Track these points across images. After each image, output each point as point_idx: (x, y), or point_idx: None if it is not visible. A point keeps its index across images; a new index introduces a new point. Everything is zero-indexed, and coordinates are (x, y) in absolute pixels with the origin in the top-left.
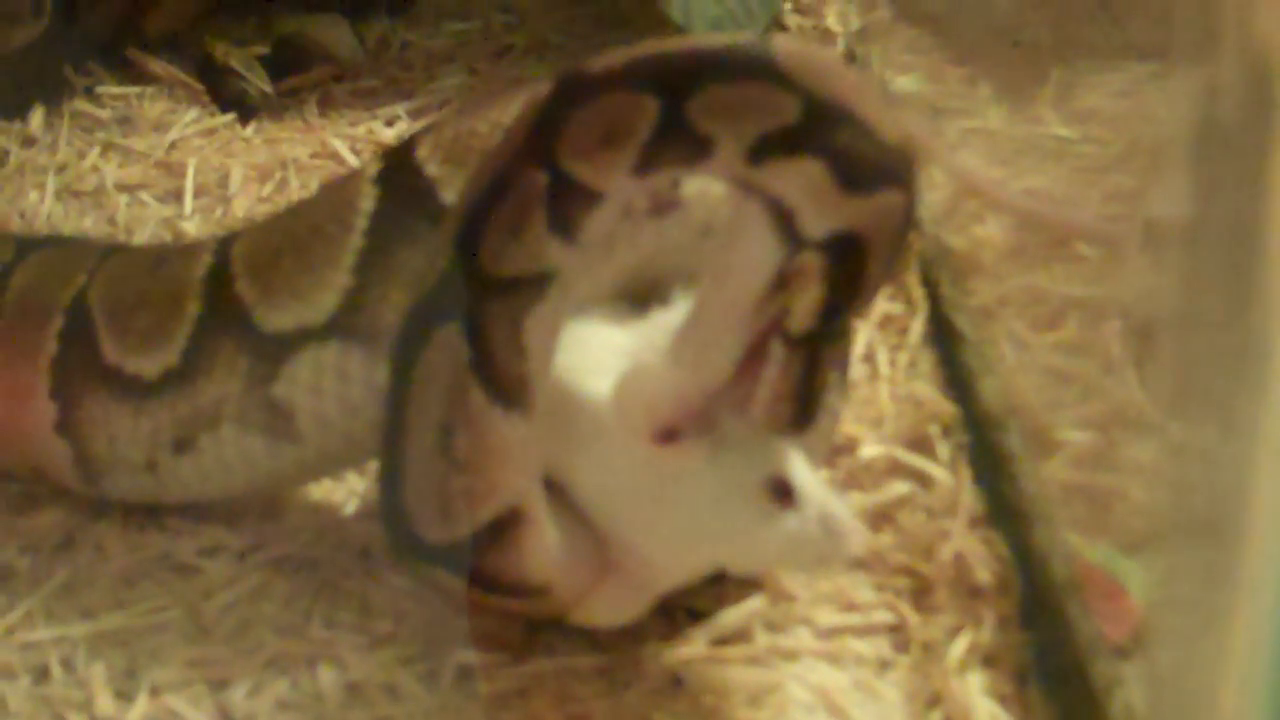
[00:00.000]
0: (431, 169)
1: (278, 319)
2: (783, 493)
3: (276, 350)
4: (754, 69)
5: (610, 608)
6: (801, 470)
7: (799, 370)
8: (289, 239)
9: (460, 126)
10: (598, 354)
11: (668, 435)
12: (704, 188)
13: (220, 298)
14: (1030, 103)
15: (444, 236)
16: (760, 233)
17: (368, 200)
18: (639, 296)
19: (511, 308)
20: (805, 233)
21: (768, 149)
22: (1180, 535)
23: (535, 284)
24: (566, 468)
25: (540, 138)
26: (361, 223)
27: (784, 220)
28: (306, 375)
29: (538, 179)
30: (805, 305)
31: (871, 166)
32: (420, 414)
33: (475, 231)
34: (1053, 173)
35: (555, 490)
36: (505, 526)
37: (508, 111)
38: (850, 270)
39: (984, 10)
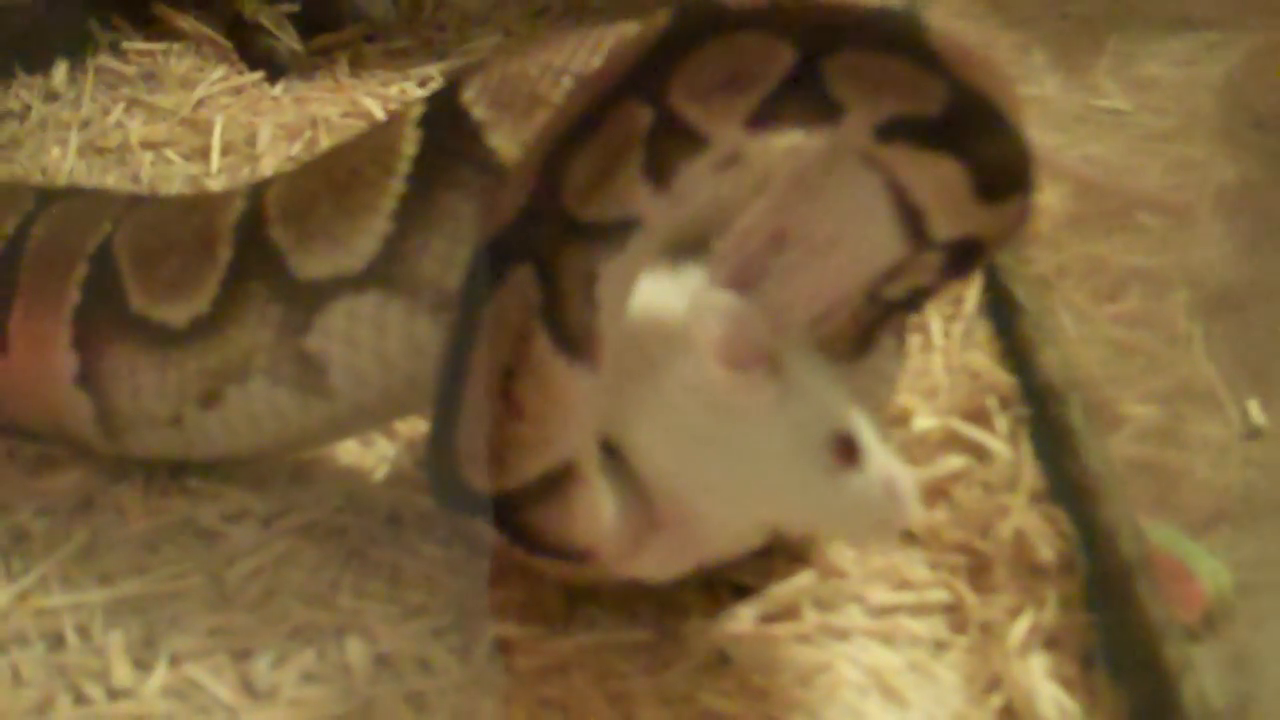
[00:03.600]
0: (478, 112)
1: (313, 266)
2: (847, 451)
3: (311, 299)
4: (906, 43)
5: (657, 563)
6: (868, 431)
7: (873, 313)
8: (327, 183)
9: (510, 68)
10: (660, 294)
11: (741, 367)
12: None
13: (253, 243)
14: (1086, 71)
15: (525, 169)
16: (880, 215)
17: (410, 144)
18: (680, 248)
19: (589, 255)
20: (931, 234)
21: (901, 131)
22: (1269, 518)
23: (617, 232)
24: (624, 416)
25: (651, 70)
26: (404, 167)
27: (911, 215)
28: (341, 326)
29: (640, 116)
30: (905, 283)
31: (1010, 174)
32: (485, 355)
33: (560, 167)
34: (1111, 142)
35: (605, 451)
36: (557, 481)
37: (560, 53)
38: (964, 269)
39: None
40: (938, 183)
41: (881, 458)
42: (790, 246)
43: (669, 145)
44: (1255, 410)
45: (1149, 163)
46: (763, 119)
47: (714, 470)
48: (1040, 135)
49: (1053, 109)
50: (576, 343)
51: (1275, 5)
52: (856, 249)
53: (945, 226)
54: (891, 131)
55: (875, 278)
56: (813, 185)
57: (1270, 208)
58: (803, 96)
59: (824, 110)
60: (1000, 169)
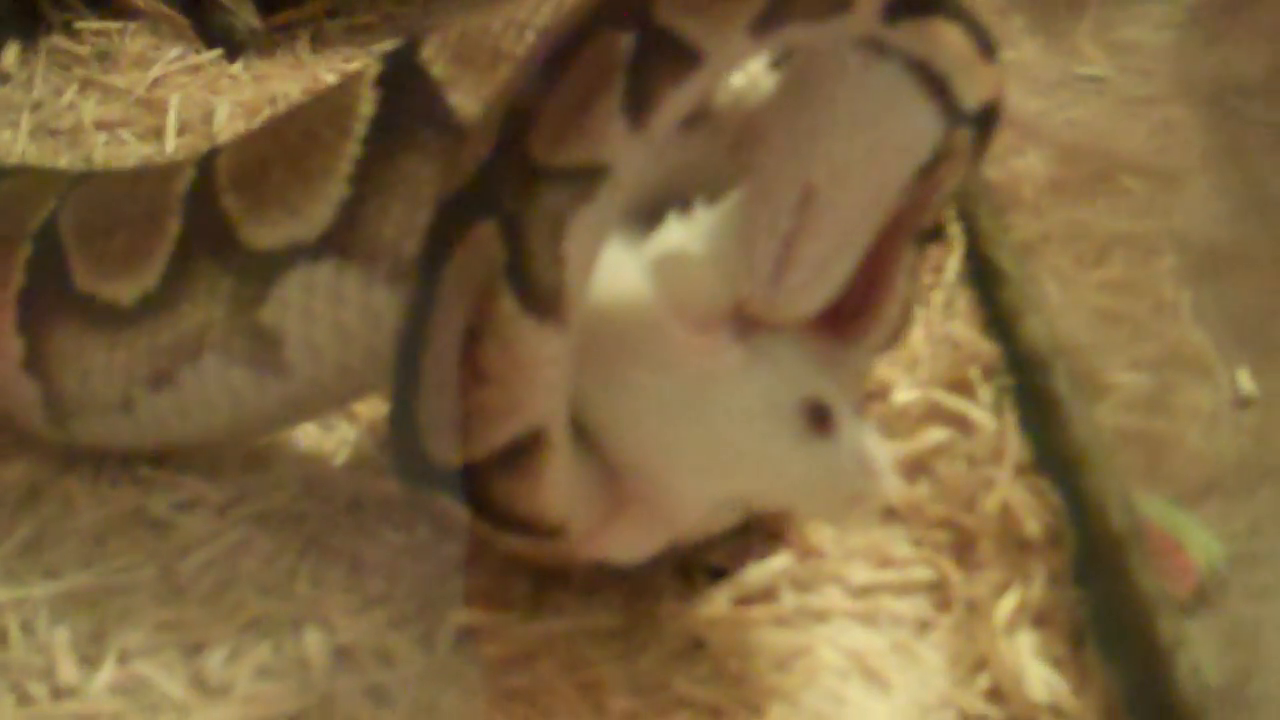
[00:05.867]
0: (437, 70)
1: (266, 235)
2: (819, 418)
3: (264, 270)
4: None
5: (624, 544)
6: (841, 399)
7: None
8: (280, 148)
9: (470, 24)
10: (619, 265)
11: (704, 326)
12: (740, 96)
13: (203, 214)
14: (1067, 35)
15: (489, 115)
16: (912, 94)
17: (367, 104)
18: (646, 217)
19: (556, 206)
20: (960, 101)
21: (902, 7)
22: (1263, 487)
23: (586, 179)
24: (586, 385)
25: None
26: (360, 129)
27: (938, 86)
28: (297, 297)
29: (621, 43)
30: (947, 190)
31: (987, 31)
32: (446, 318)
33: (527, 113)
34: (1093, 106)
35: (570, 422)
36: (524, 450)
37: (523, 7)
38: (986, 145)
39: None
40: (950, 48)
41: (855, 427)
42: (821, 189)
43: (655, 69)
44: (1245, 378)
45: (1132, 127)
46: (770, 20)
47: (681, 440)
48: (1022, 101)
49: (1033, 74)
50: (544, 301)
51: None
52: (901, 141)
53: (969, 91)
54: (897, 8)
55: (917, 174)
56: (824, 115)
57: (1255, 171)
58: None
59: None
60: (981, 25)
